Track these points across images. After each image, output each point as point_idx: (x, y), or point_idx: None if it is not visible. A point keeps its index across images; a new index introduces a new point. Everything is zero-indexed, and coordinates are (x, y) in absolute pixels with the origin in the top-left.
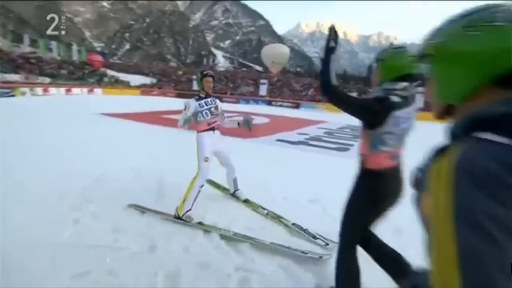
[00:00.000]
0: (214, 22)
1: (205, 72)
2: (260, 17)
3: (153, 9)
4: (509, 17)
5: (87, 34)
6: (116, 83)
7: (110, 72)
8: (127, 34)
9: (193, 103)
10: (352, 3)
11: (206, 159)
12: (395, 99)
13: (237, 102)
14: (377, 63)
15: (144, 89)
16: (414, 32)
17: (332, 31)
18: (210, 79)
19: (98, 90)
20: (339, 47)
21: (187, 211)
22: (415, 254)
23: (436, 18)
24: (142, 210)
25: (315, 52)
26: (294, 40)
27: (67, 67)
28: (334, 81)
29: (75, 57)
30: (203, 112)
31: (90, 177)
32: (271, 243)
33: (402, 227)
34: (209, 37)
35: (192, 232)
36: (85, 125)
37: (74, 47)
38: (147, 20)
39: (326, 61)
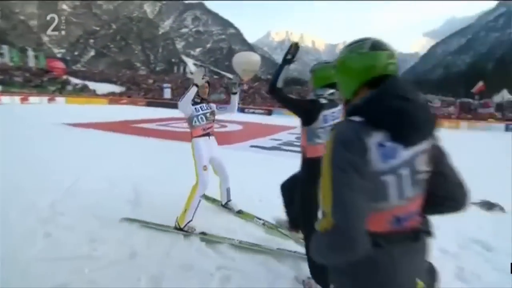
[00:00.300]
0: (184, 30)
1: (194, 81)
2: (231, 25)
3: (120, 15)
4: (371, 46)
5: (45, 39)
6: (81, 92)
7: (74, 80)
8: (91, 40)
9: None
10: (319, 13)
11: (205, 168)
12: (323, 101)
13: None
14: (311, 74)
15: (113, 98)
16: None
17: (293, 47)
18: (206, 84)
19: (60, 99)
20: (298, 59)
21: (188, 222)
22: (440, 255)
23: (394, 29)
24: (140, 223)
25: None
26: (265, 48)
27: (22, 74)
28: (280, 84)
29: (31, 63)
30: (199, 117)
31: (59, 189)
32: (278, 248)
33: None
34: (179, 44)
35: (171, 237)
36: (47, 136)
37: (30, 53)
38: (114, 26)
39: (280, 68)
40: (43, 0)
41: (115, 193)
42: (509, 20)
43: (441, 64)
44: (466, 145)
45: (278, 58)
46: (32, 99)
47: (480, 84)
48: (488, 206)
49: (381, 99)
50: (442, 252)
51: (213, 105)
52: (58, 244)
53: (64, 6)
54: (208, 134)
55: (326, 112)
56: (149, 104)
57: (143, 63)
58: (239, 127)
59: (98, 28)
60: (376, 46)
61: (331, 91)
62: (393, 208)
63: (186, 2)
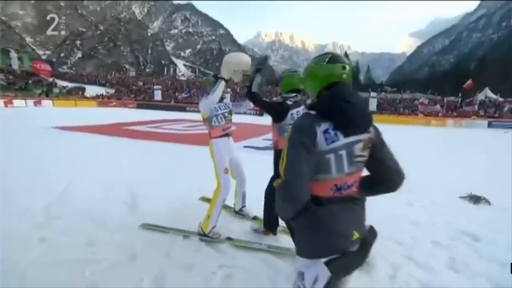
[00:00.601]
0: (174, 31)
1: (219, 75)
2: (221, 26)
3: (107, 16)
4: (329, 60)
5: (29, 40)
6: (69, 94)
7: (61, 83)
8: (78, 42)
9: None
10: (309, 14)
11: (226, 171)
12: (290, 102)
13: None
14: (279, 81)
15: (102, 100)
16: (364, 42)
17: (263, 59)
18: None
19: (47, 102)
20: (265, 70)
21: (213, 228)
22: (431, 247)
23: (381, 30)
24: (160, 229)
25: (275, 61)
26: (255, 49)
27: (5, 76)
28: (255, 89)
29: (15, 65)
30: (219, 117)
31: (54, 192)
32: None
33: (419, 219)
34: (169, 46)
35: (170, 238)
36: (37, 140)
37: (13, 54)
38: (101, 27)
39: (253, 76)
40: (39, 0)
41: (111, 196)
42: (489, 21)
43: (427, 63)
44: (453, 142)
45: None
46: (17, 102)
47: (469, 81)
48: (475, 199)
49: (329, 99)
50: (434, 244)
51: (230, 103)
52: (55, 248)
53: (49, 7)
54: (227, 135)
55: (293, 111)
56: (139, 106)
57: (132, 65)
58: (232, 127)
59: (84, 30)
60: (333, 59)
61: (295, 94)
62: (334, 179)
63: (175, 2)
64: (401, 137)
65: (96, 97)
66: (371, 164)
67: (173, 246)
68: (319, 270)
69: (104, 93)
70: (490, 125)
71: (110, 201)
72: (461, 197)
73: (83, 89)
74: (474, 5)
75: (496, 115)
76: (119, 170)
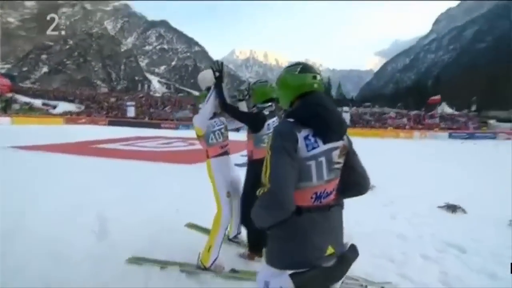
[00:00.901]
0: (148, 47)
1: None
2: (196, 43)
3: (77, 31)
4: (300, 70)
5: None
6: (30, 111)
7: (22, 98)
8: (44, 56)
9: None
10: (282, 33)
11: (229, 194)
12: (266, 113)
13: (177, 128)
14: (251, 91)
15: (69, 117)
16: (334, 59)
17: (217, 64)
18: None
19: (4, 119)
20: (226, 77)
21: (214, 260)
22: (422, 262)
23: (350, 48)
24: (152, 263)
25: (250, 77)
26: (230, 66)
27: None
28: (228, 101)
29: None
30: (216, 133)
31: (4, 223)
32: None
33: (405, 232)
34: (143, 62)
35: (146, 269)
36: None
37: None
38: (70, 42)
39: (219, 87)
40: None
41: (76, 223)
42: (439, 44)
43: (392, 80)
44: (421, 153)
45: (243, 75)
46: None
47: (437, 96)
48: (452, 208)
49: (306, 106)
50: (424, 258)
51: (224, 119)
52: None
53: (10, 19)
54: (226, 153)
55: (269, 121)
56: (111, 123)
57: (104, 81)
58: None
59: (51, 43)
60: (304, 69)
61: (269, 104)
62: (314, 186)
63: (150, 19)
64: (375, 149)
65: (64, 114)
66: (343, 170)
67: (150, 278)
68: (283, 281)
69: (73, 110)
70: (450, 136)
71: (74, 229)
72: (439, 207)
73: (54, 106)
74: (426, 29)
75: (455, 127)
76: (85, 192)
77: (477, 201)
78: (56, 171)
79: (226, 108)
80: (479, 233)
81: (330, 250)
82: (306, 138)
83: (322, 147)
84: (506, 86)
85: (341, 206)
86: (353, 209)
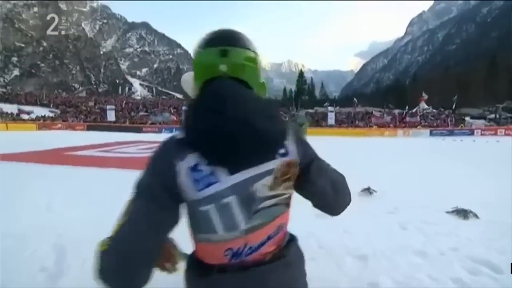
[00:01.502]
0: (129, 50)
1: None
2: (178, 45)
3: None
4: (205, 42)
5: None
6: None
7: None
8: (14, 58)
9: None
10: (264, 34)
11: None
12: None
13: (159, 131)
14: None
15: (43, 123)
16: (316, 60)
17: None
18: None
19: None
20: None
21: None
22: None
23: (331, 49)
24: None
25: None
26: None
27: None
28: None
29: None
30: None
31: None
32: None
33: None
34: (124, 65)
35: None
36: None
37: None
38: (44, 43)
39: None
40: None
41: (24, 256)
42: (414, 46)
43: (372, 80)
44: (407, 151)
45: None
46: None
47: (424, 95)
48: (464, 214)
49: (193, 110)
50: (456, 283)
51: None
52: None
53: None
54: None
55: None
56: (90, 128)
57: (83, 84)
58: None
59: (23, 45)
60: (209, 41)
61: None
62: (225, 241)
63: (130, 21)
64: (363, 149)
65: (36, 119)
66: (305, 193)
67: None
68: None
69: (47, 115)
70: (431, 133)
71: (21, 265)
72: (447, 212)
73: (28, 112)
74: (401, 31)
75: (435, 124)
76: (44, 211)
77: (486, 204)
78: (15, 185)
79: None
80: (503, 244)
81: None
82: (193, 169)
83: (227, 180)
84: (476, 85)
85: (288, 259)
86: (358, 220)
